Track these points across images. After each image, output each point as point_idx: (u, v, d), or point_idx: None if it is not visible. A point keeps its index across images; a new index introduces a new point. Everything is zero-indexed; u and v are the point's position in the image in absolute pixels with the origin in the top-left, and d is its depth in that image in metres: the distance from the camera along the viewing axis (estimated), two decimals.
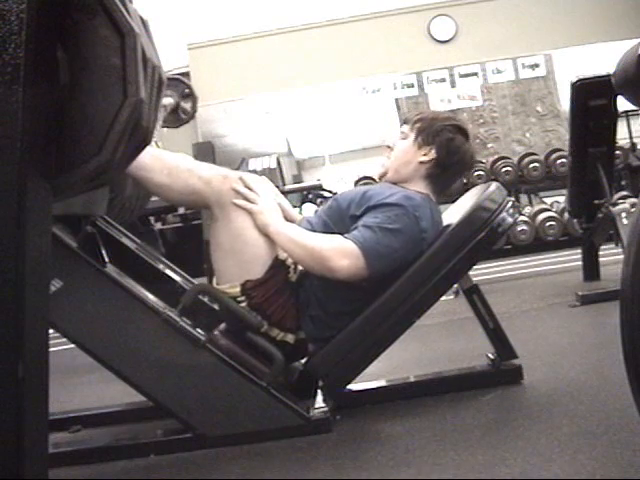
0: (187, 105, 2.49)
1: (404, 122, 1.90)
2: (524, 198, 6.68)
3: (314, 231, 1.72)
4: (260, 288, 1.63)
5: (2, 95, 0.77)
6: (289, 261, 1.69)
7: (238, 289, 1.64)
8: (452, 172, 1.85)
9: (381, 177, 1.88)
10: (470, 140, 1.88)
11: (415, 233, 1.66)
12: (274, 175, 3.78)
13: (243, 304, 1.63)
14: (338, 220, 1.73)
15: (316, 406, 1.66)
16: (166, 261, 2.06)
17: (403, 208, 1.66)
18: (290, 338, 1.67)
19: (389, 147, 1.88)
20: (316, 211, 1.93)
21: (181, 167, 1.67)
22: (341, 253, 1.60)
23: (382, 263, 1.62)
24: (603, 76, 2.93)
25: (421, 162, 1.81)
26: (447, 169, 1.82)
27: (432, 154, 1.80)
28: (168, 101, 1.95)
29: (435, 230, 1.71)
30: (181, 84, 2.47)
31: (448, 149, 1.81)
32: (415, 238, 1.66)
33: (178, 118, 2.46)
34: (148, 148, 1.64)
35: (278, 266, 1.67)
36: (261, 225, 1.64)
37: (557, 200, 5.56)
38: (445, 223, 1.78)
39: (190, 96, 2.50)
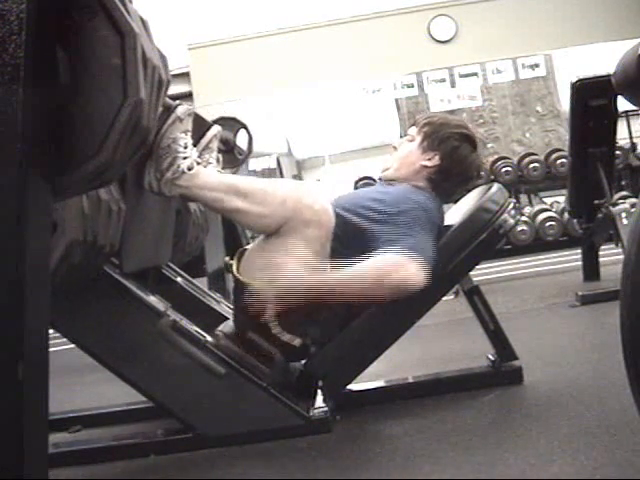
0: (242, 144, 2.48)
1: (413, 124, 1.89)
2: (524, 198, 6.68)
3: None
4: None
5: (2, 95, 0.77)
6: None
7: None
8: (455, 181, 1.83)
9: (383, 171, 1.88)
10: (477, 150, 1.86)
11: (432, 223, 1.66)
12: (274, 175, 3.78)
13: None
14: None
15: (316, 406, 1.65)
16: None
17: (418, 203, 1.66)
18: (297, 342, 1.66)
19: (394, 147, 1.88)
20: None
21: (256, 190, 1.59)
22: (398, 265, 1.53)
23: (429, 264, 1.57)
24: (603, 76, 2.94)
25: (424, 166, 1.80)
26: (449, 177, 1.81)
27: (436, 160, 1.79)
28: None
29: (440, 225, 1.72)
30: (237, 124, 2.46)
31: (452, 157, 1.79)
32: (432, 227, 1.66)
33: (234, 158, 2.45)
34: (218, 175, 1.65)
35: None
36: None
37: (557, 200, 5.57)
38: (447, 224, 1.78)
39: (246, 136, 2.49)
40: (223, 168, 1.79)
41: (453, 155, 1.79)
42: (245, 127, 2.47)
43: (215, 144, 1.72)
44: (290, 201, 1.55)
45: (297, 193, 1.57)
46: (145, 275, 1.77)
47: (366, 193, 1.84)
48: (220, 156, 1.77)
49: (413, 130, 1.86)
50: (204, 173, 1.59)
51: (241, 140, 2.49)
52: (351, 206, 1.71)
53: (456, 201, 2.00)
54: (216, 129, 1.73)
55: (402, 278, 1.52)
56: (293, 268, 1.55)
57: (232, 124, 2.43)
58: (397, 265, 1.53)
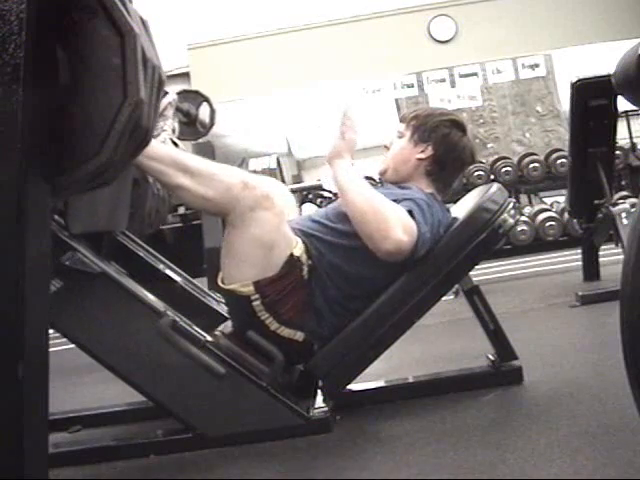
0: (205, 118, 2.48)
1: (400, 120, 1.90)
2: (524, 198, 6.68)
3: None
4: (274, 285, 1.61)
5: (2, 95, 0.77)
6: (303, 258, 1.66)
7: (251, 287, 1.60)
8: (452, 168, 1.84)
9: (382, 174, 1.88)
10: (467, 134, 1.87)
11: (438, 231, 1.68)
12: (274, 175, 3.79)
13: (256, 302, 1.61)
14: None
15: (316, 406, 1.66)
16: (165, 260, 2.07)
17: (427, 203, 1.68)
18: (299, 336, 1.66)
19: (386, 147, 1.88)
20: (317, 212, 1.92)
21: (203, 171, 1.62)
22: (405, 227, 1.57)
23: (424, 250, 1.61)
24: (603, 76, 2.93)
25: (419, 159, 1.81)
26: (446, 165, 1.82)
27: (429, 151, 1.80)
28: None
29: (440, 224, 1.72)
30: (199, 97, 2.46)
31: (445, 145, 1.80)
32: (437, 236, 1.67)
33: (196, 131, 2.46)
34: (168, 149, 1.64)
35: (293, 263, 1.63)
36: (335, 153, 1.65)
37: (557, 200, 5.57)
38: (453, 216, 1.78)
39: (208, 109, 2.49)
40: (183, 139, 1.79)
41: (445, 142, 1.81)
42: (207, 100, 2.48)
43: (170, 112, 1.72)
44: (236, 188, 1.58)
45: (243, 180, 1.61)
46: (99, 241, 1.74)
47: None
48: (176, 125, 1.76)
49: (401, 126, 1.87)
50: (152, 143, 1.59)
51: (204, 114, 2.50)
52: None
53: (456, 201, 2.01)
54: (171, 96, 1.73)
55: (392, 235, 1.56)
56: (262, 248, 1.60)
57: (194, 97, 2.44)
58: (400, 222, 1.57)
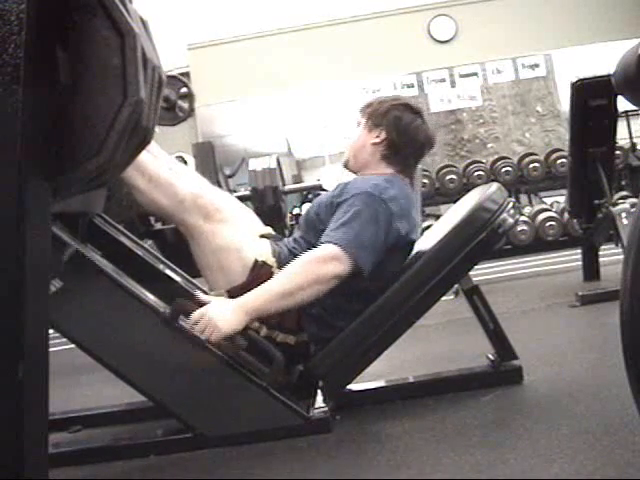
0: (184, 103, 2.49)
1: (358, 111, 1.91)
2: (524, 198, 6.68)
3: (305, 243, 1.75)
4: (246, 291, 1.61)
5: (2, 95, 0.77)
6: (270, 260, 1.68)
7: (225, 296, 1.64)
8: (407, 151, 1.83)
9: (345, 165, 1.90)
10: (422, 117, 1.86)
11: (387, 215, 1.66)
12: (274, 175, 3.77)
13: None
14: (312, 228, 1.75)
15: (316, 406, 1.66)
16: (165, 260, 2.06)
17: (369, 194, 1.67)
18: (291, 339, 1.67)
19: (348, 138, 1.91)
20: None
21: (161, 178, 1.67)
22: (322, 261, 1.58)
23: (368, 253, 1.61)
24: (603, 76, 2.94)
25: (374, 144, 1.82)
26: (400, 148, 1.82)
27: (382, 135, 1.82)
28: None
29: (405, 204, 1.72)
30: (178, 82, 2.47)
31: (397, 128, 1.81)
32: (387, 219, 1.66)
33: (175, 116, 2.46)
34: None
35: (259, 267, 1.66)
36: (238, 319, 1.54)
37: (557, 200, 5.56)
38: (446, 224, 1.78)
39: (187, 94, 2.50)
40: (162, 124, 1.78)
41: (397, 125, 1.81)
42: (187, 86, 2.48)
43: None
44: (187, 202, 1.65)
45: (196, 194, 1.67)
46: (75, 223, 1.74)
47: (328, 192, 1.88)
48: None
49: (358, 116, 1.89)
50: None
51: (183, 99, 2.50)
52: (316, 202, 1.81)
53: (455, 201, 2.00)
54: None
55: (322, 275, 1.58)
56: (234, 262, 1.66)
57: (174, 82, 2.44)
58: (320, 260, 1.58)
